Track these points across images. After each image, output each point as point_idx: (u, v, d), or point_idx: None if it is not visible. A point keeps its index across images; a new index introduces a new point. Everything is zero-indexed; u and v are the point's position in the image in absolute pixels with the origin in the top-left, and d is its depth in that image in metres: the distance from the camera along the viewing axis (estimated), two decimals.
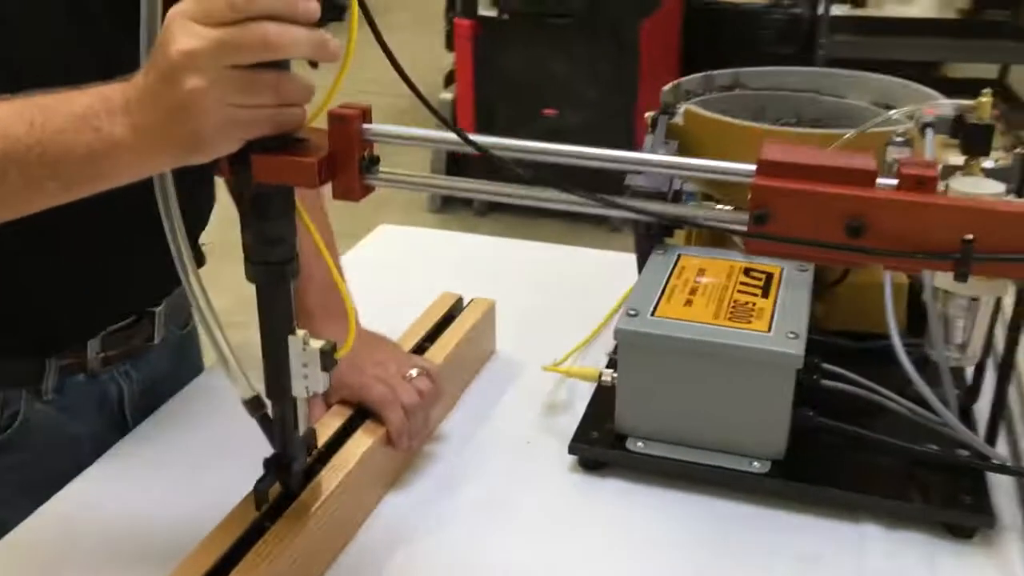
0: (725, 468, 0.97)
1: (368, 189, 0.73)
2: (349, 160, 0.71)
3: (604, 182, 0.79)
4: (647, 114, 1.17)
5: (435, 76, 4.88)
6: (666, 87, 1.21)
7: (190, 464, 1.03)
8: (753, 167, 0.64)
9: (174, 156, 0.69)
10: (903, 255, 0.62)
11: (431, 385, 1.03)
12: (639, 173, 1.06)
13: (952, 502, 0.93)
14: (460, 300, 1.25)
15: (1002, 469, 0.96)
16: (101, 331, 1.03)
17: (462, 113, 3.82)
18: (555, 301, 1.36)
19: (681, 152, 1.12)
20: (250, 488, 0.85)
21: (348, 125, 0.70)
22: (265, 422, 0.83)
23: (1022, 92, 4.16)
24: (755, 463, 0.97)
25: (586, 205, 0.71)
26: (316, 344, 0.79)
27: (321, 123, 0.72)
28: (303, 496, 0.87)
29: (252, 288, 0.79)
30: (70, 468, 1.00)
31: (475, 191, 0.75)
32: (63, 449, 1.02)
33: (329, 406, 1.02)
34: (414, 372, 1.03)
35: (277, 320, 0.79)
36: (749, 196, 0.64)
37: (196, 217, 1.08)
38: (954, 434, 0.96)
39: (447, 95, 3.90)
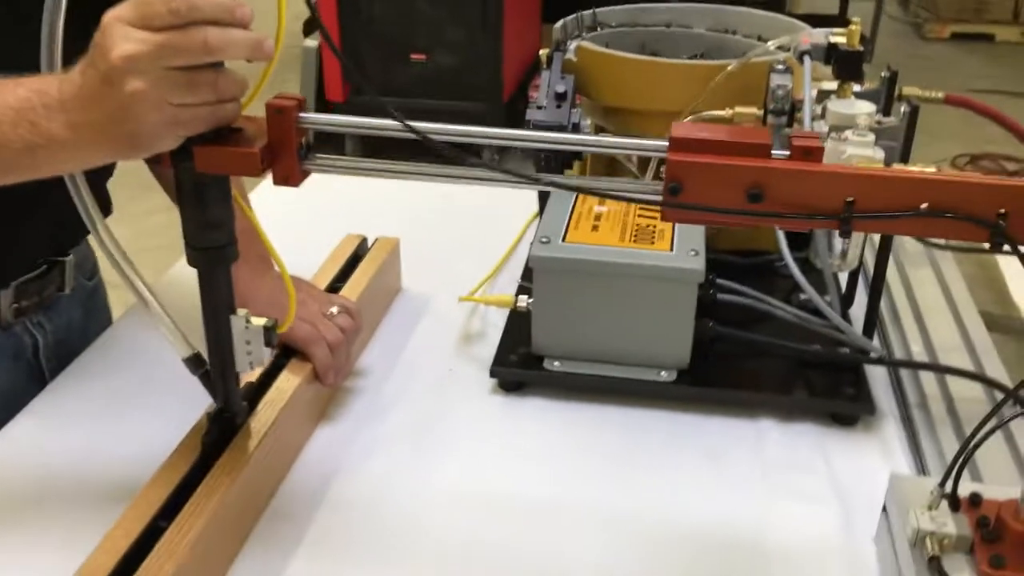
0: (636, 379, 1.04)
1: (306, 174, 0.76)
2: (288, 148, 0.74)
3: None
4: (541, 51, 1.22)
5: (292, 24, 4.76)
6: (557, 24, 1.25)
7: (113, 414, 1.03)
8: (665, 143, 0.70)
9: (113, 152, 0.71)
10: (796, 217, 0.69)
11: (351, 321, 1.07)
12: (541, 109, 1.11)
13: (837, 394, 1.03)
14: (364, 240, 1.28)
15: (879, 361, 1.07)
16: (12, 281, 1.01)
17: (329, 62, 3.76)
18: (450, 236, 1.40)
19: (578, 87, 1.18)
20: (175, 433, 0.88)
21: (285, 115, 0.73)
22: (206, 379, 0.86)
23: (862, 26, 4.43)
24: (663, 373, 1.05)
25: (512, 182, 0.75)
26: (259, 321, 0.84)
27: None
28: (240, 434, 0.90)
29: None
30: None
31: (405, 172, 0.77)
32: None
33: None
34: (334, 310, 1.05)
35: (219, 301, 0.83)
36: (663, 169, 0.70)
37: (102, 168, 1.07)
38: (836, 334, 1.06)
39: (311, 43, 3.82)
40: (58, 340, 1.10)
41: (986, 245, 0.69)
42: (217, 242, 0.79)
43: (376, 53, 3.76)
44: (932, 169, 0.84)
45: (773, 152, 0.69)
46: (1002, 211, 0.65)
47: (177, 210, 0.80)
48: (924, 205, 0.67)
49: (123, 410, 1.03)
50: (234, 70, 0.71)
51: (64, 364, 1.09)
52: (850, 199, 0.67)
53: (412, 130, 0.72)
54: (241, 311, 0.84)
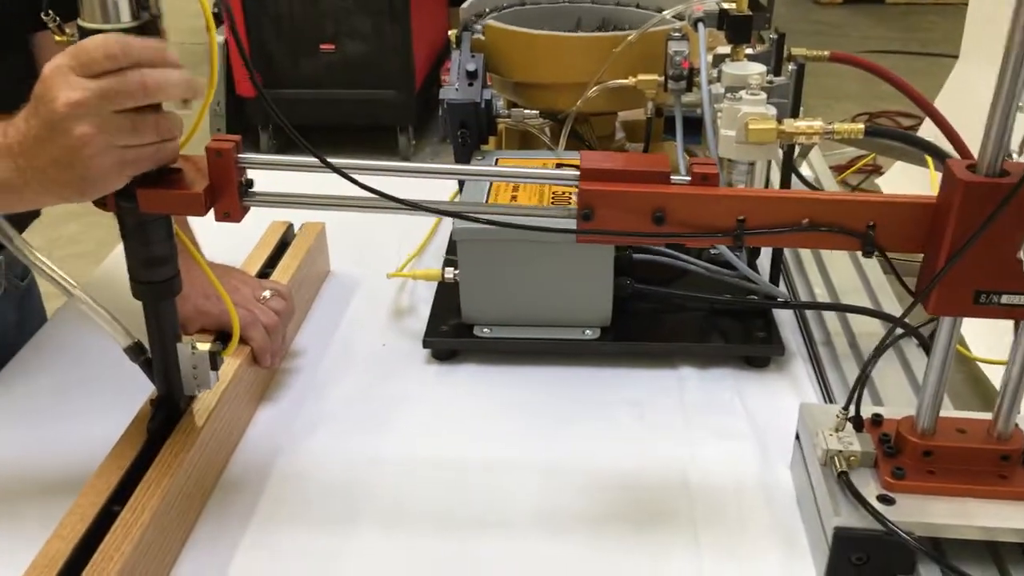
0: (562, 339, 1.10)
1: (246, 210, 0.80)
2: (229, 187, 0.78)
3: None
4: (450, 32, 1.26)
5: (193, 20, 4.66)
6: (464, 4, 1.29)
7: (53, 410, 1.04)
8: (577, 173, 0.77)
9: (63, 195, 0.73)
10: (696, 235, 0.78)
11: (285, 303, 1.10)
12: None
13: (749, 339, 1.11)
14: (291, 226, 1.31)
15: (785, 305, 1.15)
16: None
17: (235, 56, 3.72)
18: (375, 218, 1.41)
19: (488, 65, 1.22)
20: (115, 425, 0.90)
21: (225, 157, 0.77)
22: (147, 367, 0.89)
23: None
24: (587, 331, 1.10)
25: (436, 212, 0.84)
26: (204, 347, 0.89)
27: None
28: (185, 418, 0.92)
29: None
30: None
31: (333, 205, 0.82)
32: None
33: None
34: (267, 294, 1.08)
35: (165, 331, 0.86)
36: (576, 196, 0.76)
37: None
38: (745, 283, 1.13)
39: (219, 37, 3.77)
40: None
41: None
42: (162, 276, 0.83)
43: (285, 45, 3.74)
44: (818, 123, 0.92)
45: (673, 178, 0.76)
46: (871, 223, 0.74)
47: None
48: (805, 221, 0.75)
49: (63, 405, 1.05)
50: (173, 112, 0.75)
51: (2, 365, 1.10)
52: (741, 217, 0.75)
53: (331, 167, 0.76)
54: (186, 339, 0.88)
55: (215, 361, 0.90)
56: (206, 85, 0.74)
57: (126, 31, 0.71)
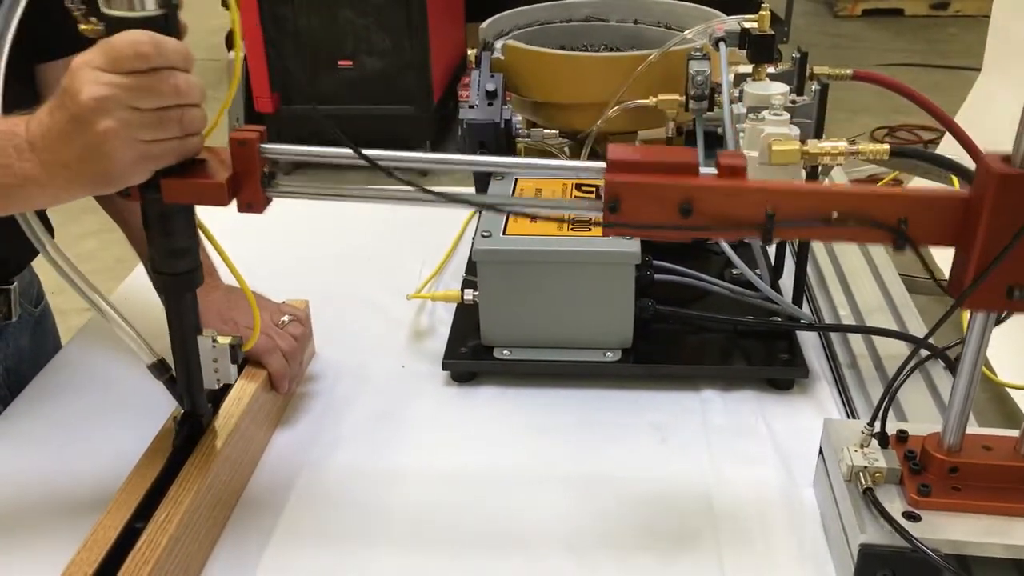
0: (582, 361, 1.09)
1: (268, 200, 0.80)
2: (252, 177, 0.78)
3: None
4: (469, 51, 1.25)
5: (211, 37, 4.70)
6: (484, 24, 1.29)
7: (72, 433, 1.04)
8: (603, 165, 0.75)
9: (87, 189, 0.74)
10: (724, 228, 0.75)
11: (302, 328, 1.09)
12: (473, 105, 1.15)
13: (772, 361, 1.09)
14: None
15: (809, 327, 1.13)
16: None
17: (255, 73, 3.74)
18: (393, 239, 1.42)
19: (507, 85, 1.22)
20: (135, 445, 0.90)
21: (249, 147, 0.77)
22: (171, 384, 0.88)
23: (774, 7, 4.55)
24: (608, 353, 1.09)
25: (461, 204, 0.79)
26: (224, 340, 0.88)
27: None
28: (207, 434, 0.92)
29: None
30: None
31: (357, 196, 0.82)
32: None
33: None
34: (286, 319, 1.08)
35: (186, 323, 0.86)
36: (603, 187, 0.74)
37: None
38: (768, 304, 1.12)
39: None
40: (7, 368, 1.11)
41: None
42: (183, 268, 0.83)
43: (303, 62, 3.76)
44: (843, 144, 0.91)
45: (701, 170, 0.75)
46: (902, 217, 0.72)
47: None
48: (835, 214, 0.73)
49: (83, 428, 1.05)
50: (197, 108, 0.75)
51: (17, 392, 1.10)
52: (770, 211, 0.73)
53: (365, 157, 0.76)
54: (207, 331, 0.88)
55: (235, 354, 0.89)
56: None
57: (150, 19, 0.71)
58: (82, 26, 0.72)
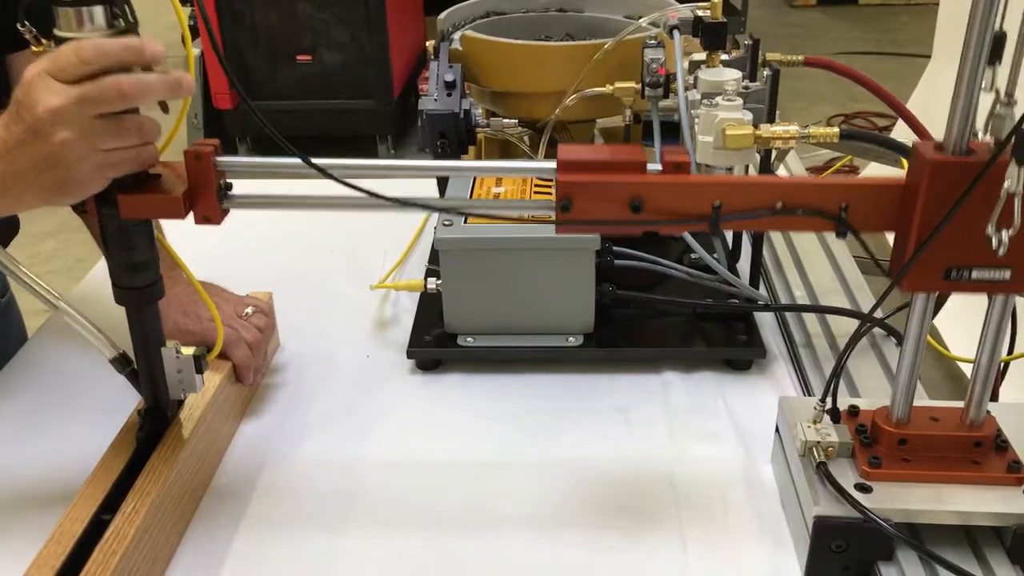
0: (546, 347, 1.11)
1: (225, 212, 0.80)
2: (208, 190, 0.78)
3: None
4: (428, 42, 1.26)
5: (169, 33, 4.65)
6: (441, 15, 1.30)
7: (38, 426, 1.04)
8: (554, 165, 0.77)
9: (44, 198, 0.74)
10: (674, 222, 0.78)
11: (266, 319, 1.10)
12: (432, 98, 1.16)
13: (731, 342, 1.12)
14: None
15: (765, 308, 1.16)
16: None
17: (213, 69, 3.71)
18: (356, 229, 1.42)
19: (465, 75, 1.23)
20: (101, 439, 0.90)
21: (204, 160, 0.77)
22: (133, 377, 0.88)
23: None
24: (570, 338, 1.11)
25: (416, 207, 0.81)
26: (188, 351, 0.89)
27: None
28: (172, 426, 0.93)
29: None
30: None
31: (315, 204, 0.83)
32: None
33: None
34: (250, 310, 1.08)
35: (149, 336, 0.87)
36: (554, 188, 0.76)
37: None
38: (726, 287, 1.14)
39: (195, 50, 3.77)
40: None
41: None
42: (144, 282, 0.83)
43: (261, 57, 3.74)
44: (794, 128, 0.93)
45: (648, 166, 0.77)
46: (843, 205, 0.75)
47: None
48: (779, 204, 0.76)
49: (49, 421, 1.05)
50: (150, 116, 0.75)
51: None
52: (717, 203, 0.76)
53: (316, 167, 0.76)
54: (171, 343, 0.88)
55: (200, 364, 0.90)
56: (190, 78, 0.74)
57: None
58: (34, 48, 0.72)
